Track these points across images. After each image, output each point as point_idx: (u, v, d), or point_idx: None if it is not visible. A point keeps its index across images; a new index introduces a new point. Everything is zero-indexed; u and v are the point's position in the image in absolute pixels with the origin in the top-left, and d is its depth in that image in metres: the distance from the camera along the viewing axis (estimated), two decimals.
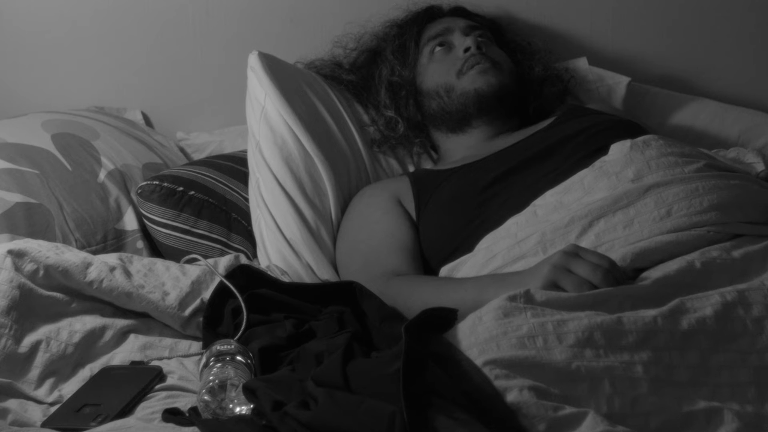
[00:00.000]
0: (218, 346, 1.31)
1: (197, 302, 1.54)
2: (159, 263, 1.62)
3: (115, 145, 1.97)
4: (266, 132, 1.83)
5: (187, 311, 1.52)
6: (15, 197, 1.71)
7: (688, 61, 2.23)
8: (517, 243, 1.48)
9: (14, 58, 2.20)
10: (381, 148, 1.96)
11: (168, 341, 1.50)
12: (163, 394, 1.34)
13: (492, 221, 1.57)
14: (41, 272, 1.47)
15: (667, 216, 1.41)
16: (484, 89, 1.83)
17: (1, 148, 1.81)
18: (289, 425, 1.07)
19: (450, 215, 1.66)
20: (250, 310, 1.45)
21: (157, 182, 1.83)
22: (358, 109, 1.99)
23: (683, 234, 1.38)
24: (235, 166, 1.95)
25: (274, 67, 1.88)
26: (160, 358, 1.45)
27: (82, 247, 1.73)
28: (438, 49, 1.91)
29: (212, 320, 1.48)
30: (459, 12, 2.01)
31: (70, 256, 1.51)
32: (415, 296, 1.49)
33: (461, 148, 1.87)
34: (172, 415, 1.22)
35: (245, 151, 1.94)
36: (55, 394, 1.37)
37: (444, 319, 1.23)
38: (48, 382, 1.38)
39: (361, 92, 2.00)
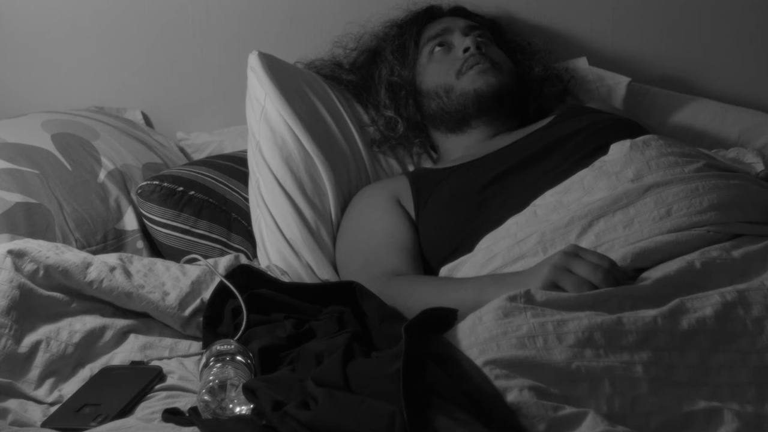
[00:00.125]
0: (218, 346, 1.31)
1: (197, 302, 1.54)
2: (159, 263, 1.62)
3: (115, 145, 1.97)
4: (266, 132, 1.83)
5: (187, 311, 1.52)
6: (15, 197, 1.71)
7: (688, 61, 2.23)
8: (517, 243, 1.48)
9: (14, 58, 2.20)
10: (381, 148, 1.96)
11: (168, 341, 1.50)
12: (163, 394, 1.34)
13: (492, 221, 1.57)
14: (41, 272, 1.47)
15: (667, 216, 1.41)
16: (484, 89, 1.83)
17: (1, 148, 1.81)
18: (289, 425, 1.07)
19: (449, 214, 1.66)
20: (250, 310, 1.45)
21: (157, 182, 1.83)
22: (358, 109, 1.99)
23: (683, 234, 1.38)
24: (235, 166, 1.95)
25: (274, 67, 1.88)
26: (160, 358, 1.45)
27: (82, 247, 1.73)
28: (437, 49, 1.91)
29: (212, 320, 1.48)
30: (459, 12, 2.01)
31: (70, 256, 1.51)
32: (415, 296, 1.49)
33: (460, 148, 1.88)
34: (172, 415, 1.22)
35: (245, 151, 1.94)
36: (55, 394, 1.37)
37: (444, 319, 1.23)
38: (48, 382, 1.38)
39: (361, 92, 2.00)
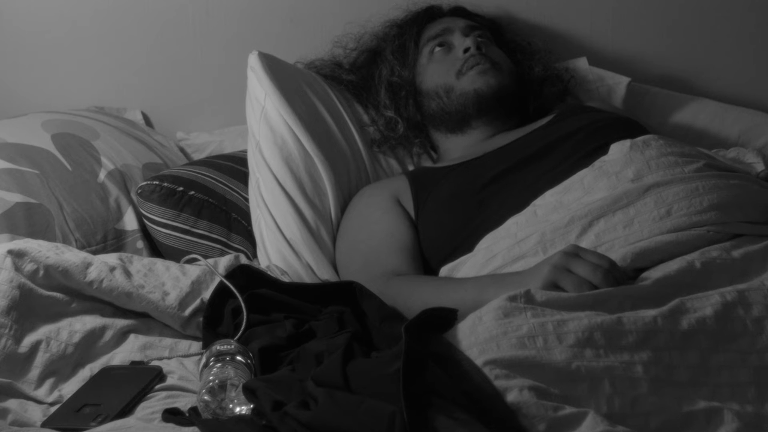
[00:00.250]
0: (218, 346, 1.31)
1: (197, 302, 1.54)
2: (159, 263, 1.62)
3: (115, 145, 1.97)
4: (266, 132, 1.83)
5: (187, 311, 1.52)
6: (15, 197, 1.71)
7: (688, 61, 2.23)
8: (517, 243, 1.48)
9: (14, 58, 2.20)
10: (381, 148, 1.96)
11: (168, 341, 1.50)
12: (163, 394, 1.34)
13: (492, 221, 1.57)
14: (41, 272, 1.47)
15: (667, 216, 1.41)
16: (484, 90, 1.83)
17: (1, 148, 1.81)
18: (289, 425, 1.07)
19: (449, 214, 1.66)
20: (250, 310, 1.45)
21: (157, 182, 1.83)
22: (358, 109, 1.99)
23: (683, 234, 1.38)
24: (235, 166, 1.95)
25: (274, 67, 1.88)
26: (160, 358, 1.45)
27: (82, 247, 1.73)
28: (438, 49, 1.91)
29: (212, 320, 1.48)
30: (459, 12, 2.01)
31: (70, 256, 1.51)
32: (415, 296, 1.49)
33: (460, 148, 1.88)
34: (172, 415, 1.22)
35: (245, 151, 1.94)
36: (55, 394, 1.36)
37: (444, 319, 1.23)
38: (48, 382, 1.38)
39: (361, 92, 2.00)
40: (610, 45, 2.21)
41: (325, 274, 1.74)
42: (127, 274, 1.53)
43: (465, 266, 1.55)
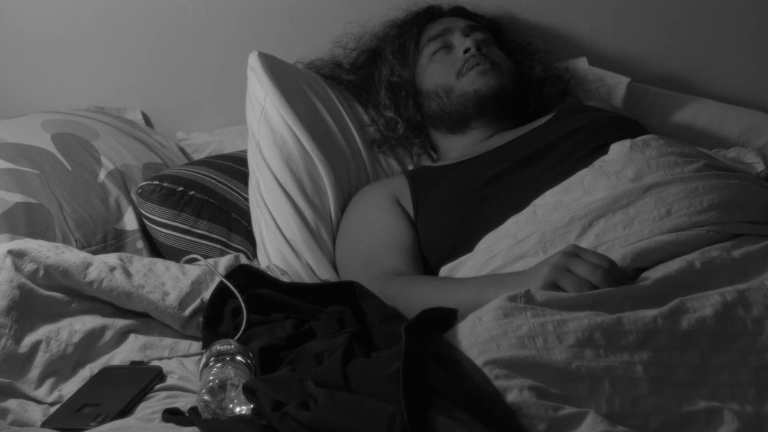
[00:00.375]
0: (218, 346, 1.31)
1: (197, 302, 1.54)
2: (159, 263, 1.62)
3: (115, 145, 1.97)
4: (266, 132, 1.83)
5: (187, 311, 1.52)
6: (15, 197, 1.71)
7: (688, 61, 2.23)
8: (517, 243, 1.48)
9: (14, 58, 2.20)
10: (381, 149, 1.96)
11: (168, 341, 1.50)
12: (163, 394, 1.34)
13: (492, 221, 1.57)
14: (41, 272, 1.47)
15: (667, 216, 1.41)
16: (484, 90, 1.83)
17: (1, 148, 1.81)
18: (289, 425, 1.07)
19: (448, 213, 1.66)
20: (250, 310, 1.45)
21: (157, 182, 1.83)
22: (358, 109, 1.99)
23: (683, 234, 1.38)
24: (235, 166, 1.95)
25: (274, 67, 1.88)
26: (160, 358, 1.45)
27: (82, 247, 1.73)
28: (438, 49, 1.91)
29: (212, 320, 1.48)
30: (459, 12, 2.01)
31: (70, 256, 1.51)
32: (415, 296, 1.49)
33: (460, 148, 1.87)
34: (172, 415, 1.22)
35: (245, 151, 1.94)
36: (55, 394, 1.37)
37: (444, 319, 1.23)
38: (48, 382, 1.38)
39: (361, 92, 2.00)
40: (610, 45, 2.21)
41: (325, 274, 1.74)
42: (127, 274, 1.53)
43: (465, 266, 1.55)
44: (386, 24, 2.04)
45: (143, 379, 1.35)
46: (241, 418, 1.18)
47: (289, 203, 1.78)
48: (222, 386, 1.22)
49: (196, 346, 1.50)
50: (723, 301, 1.19)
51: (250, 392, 1.17)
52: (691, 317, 1.17)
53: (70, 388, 1.37)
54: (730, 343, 1.16)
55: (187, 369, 1.42)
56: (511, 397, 1.04)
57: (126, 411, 1.29)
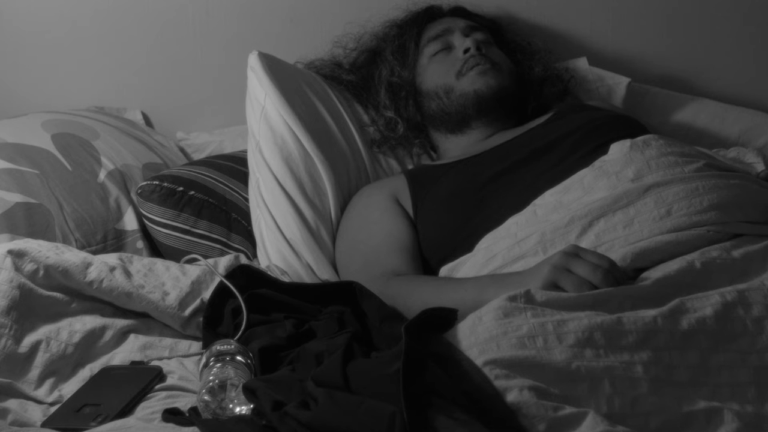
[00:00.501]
0: (218, 346, 1.31)
1: (197, 302, 1.54)
2: (159, 263, 1.62)
3: (115, 145, 1.97)
4: (266, 132, 1.83)
5: (187, 311, 1.52)
6: (15, 197, 1.71)
7: (688, 61, 2.23)
8: (517, 243, 1.48)
9: (14, 58, 2.20)
10: (381, 149, 1.96)
11: (168, 341, 1.50)
12: (163, 394, 1.34)
13: (492, 220, 1.57)
14: (41, 272, 1.47)
15: (667, 215, 1.41)
16: (484, 90, 1.83)
17: (1, 148, 1.81)
18: (289, 425, 1.07)
19: (449, 213, 1.66)
20: (250, 310, 1.45)
21: (157, 182, 1.83)
22: (358, 109, 1.99)
23: (683, 234, 1.38)
24: (235, 166, 1.95)
25: (274, 67, 1.88)
26: (160, 358, 1.45)
27: (82, 247, 1.73)
28: (438, 49, 1.90)
29: (212, 320, 1.48)
30: (459, 12, 2.01)
31: (70, 256, 1.51)
32: (414, 296, 1.49)
33: (460, 147, 1.87)
34: (172, 415, 1.22)
35: (245, 151, 1.94)
36: (55, 394, 1.37)
37: (444, 319, 1.23)
38: (48, 382, 1.38)
39: (361, 92, 2.00)
40: (610, 45, 2.21)
41: (325, 274, 1.74)
42: (127, 274, 1.53)
43: (465, 266, 1.55)
44: (386, 24, 2.04)
45: (143, 379, 1.35)
46: (241, 418, 1.18)
47: (289, 203, 1.78)
48: (222, 386, 1.22)
49: (196, 346, 1.50)
50: (723, 301, 1.19)
51: (250, 392, 1.17)
52: (691, 317, 1.17)
53: (70, 388, 1.37)
54: (730, 343, 1.16)
55: (187, 369, 1.42)
56: (511, 397, 1.04)
57: (126, 411, 1.29)
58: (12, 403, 1.30)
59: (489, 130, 1.86)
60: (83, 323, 1.46)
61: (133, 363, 1.43)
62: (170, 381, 1.37)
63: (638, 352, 1.12)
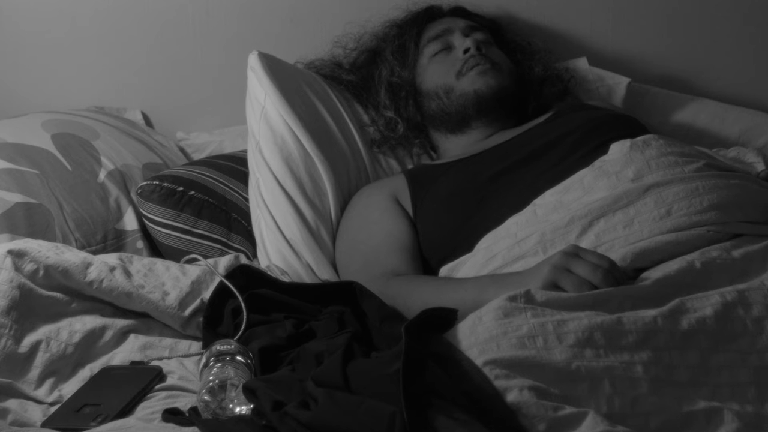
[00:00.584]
0: (218, 346, 1.31)
1: (197, 302, 1.54)
2: (159, 263, 1.62)
3: (115, 145, 1.97)
4: (266, 132, 1.83)
5: (187, 311, 1.52)
6: (15, 197, 1.71)
7: (688, 61, 2.23)
8: (517, 243, 1.48)
9: (14, 58, 2.20)
10: (381, 149, 1.96)
11: (168, 341, 1.50)
12: (163, 394, 1.34)
13: (492, 220, 1.57)
14: (41, 272, 1.47)
15: (667, 215, 1.41)
16: (484, 90, 1.83)
17: (1, 148, 1.81)
18: (289, 425, 1.07)
19: (448, 212, 1.66)
20: (250, 310, 1.45)
21: (157, 182, 1.83)
22: (358, 109, 1.99)
23: (683, 234, 1.38)
24: (235, 166, 1.95)
25: (274, 67, 1.88)
26: (160, 358, 1.45)
27: (82, 247, 1.73)
28: (438, 49, 1.90)
29: (212, 320, 1.48)
30: (459, 12, 2.01)
31: (70, 256, 1.51)
32: (414, 296, 1.49)
33: (459, 147, 1.87)
34: (172, 415, 1.22)
35: (245, 151, 1.94)
36: (55, 394, 1.36)
37: (444, 319, 1.23)
38: (48, 382, 1.38)
39: (361, 92, 2.00)
40: (610, 45, 2.21)
41: (325, 274, 1.74)
42: (127, 274, 1.53)
43: (465, 266, 1.55)
44: (386, 24, 2.04)
45: (143, 379, 1.35)
46: (241, 418, 1.18)
47: (289, 203, 1.78)
48: (222, 386, 1.22)
49: (196, 346, 1.50)
50: (723, 301, 1.19)
51: (250, 392, 1.17)
52: (691, 317, 1.17)
53: (70, 388, 1.37)
54: (730, 343, 1.16)
55: (187, 369, 1.42)
56: (511, 397, 1.04)
57: (126, 411, 1.29)
58: (12, 403, 1.30)
59: (489, 130, 1.86)
60: (83, 323, 1.46)
61: (133, 363, 1.43)
62: (170, 381, 1.37)
63: (638, 352, 1.12)
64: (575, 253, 1.30)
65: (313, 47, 2.06)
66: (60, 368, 1.41)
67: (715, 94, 2.18)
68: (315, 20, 2.18)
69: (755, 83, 2.24)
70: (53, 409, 1.32)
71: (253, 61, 1.88)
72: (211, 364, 1.28)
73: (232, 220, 1.86)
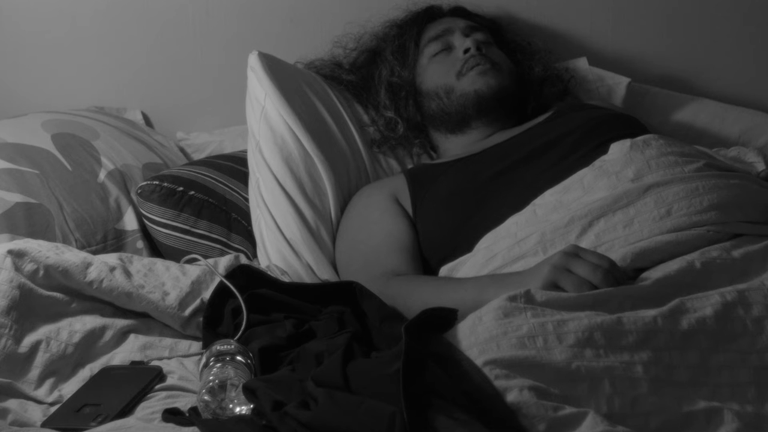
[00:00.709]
0: (218, 346, 1.31)
1: (197, 302, 1.54)
2: (159, 263, 1.62)
3: (115, 145, 1.97)
4: (266, 132, 1.83)
5: (187, 311, 1.52)
6: (15, 197, 1.71)
7: (688, 61, 2.23)
8: (517, 243, 1.48)
9: (14, 58, 2.20)
10: (381, 149, 1.96)
11: (168, 341, 1.50)
12: (163, 394, 1.34)
13: (492, 219, 1.57)
14: (41, 272, 1.47)
15: (667, 215, 1.41)
16: (484, 90, 1.83)
17: (1, 148, 1.81)
18: (289, 425, 1.07)
19: (448, 212, 1.66)
20: (250, 310, 1.45)
21: (157, 182, 1.83)
22: (358, 109, 1.99)
23: (683, 234, 1.38)
24: (235, 166, 1.95)
25: (274, 67, 1.88)
26: (160, 358, 1.45)
27: (82, 247, 1.73)
28: (438, 50, 1.90)
29: (212, 320, 1.48)
30: (459, 12, 2.01)
31: (70, 256, 1.51)
32: (414, 296, 1.49)
33: (460, 147, 1.87)
34: (172, 415, 1.22)
35: (245, 151, 1.94)
36: (55, 394, 1.36)
37: (444, 319, 1.23)
38: (48, 382, 1.38)
39: (361, 92, 2.00)
40: (610, 45, 2.21)
41: (325, 274, 1.74)
42: (127, 274, 1.53)
43: (465, 266, 1.55)
44: (386, 24, 2.04)
45: (143, 379, 1.35)
46: (241, 418, 1.18)
47: (289, 203, 1.78)
48: (222, 386, 1.22)
49: (196, 346, 1.50)
50: (723, 301, 1.19)
51: (250, 392, 1.17)
52: (691, 317, 1.17)
53: (70, 388, 1.37)
54: (730, 343, 1.16)
55: (187, 369, 1.42)
56: (511, 397, 1.04)
57: (126, 411, 1.29)
58: (12, 403, 1.30)
59: (489, 129, 1.86)
60: (83, 323, 1.46)
61: (133, 363, 1.43)
62: (170, 381, 1.37)
63: (638, 352, 1.12)
64: (575, 253, 1.30)
65: (313, 47, 2.06)
66: (60, 368, 1.41)
67: (715, 94, 2.18)
68: (315, 20, 2.18)
69: (755, 83, 2.24)
70: (53, 409, 1.32)
71: (253, 61, 1.88)
72: (211, 364, 1.28)
73: (232, 220, 1.86)
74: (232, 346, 1.31)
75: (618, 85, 2.10)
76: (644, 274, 1.32)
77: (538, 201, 1.55)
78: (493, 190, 1.64)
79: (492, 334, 1.13)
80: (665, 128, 2.03)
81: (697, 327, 1.16)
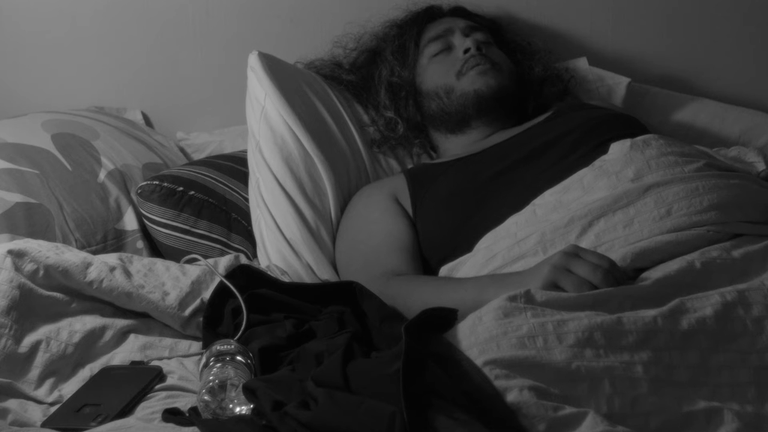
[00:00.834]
0: (218, 346, 1.31)
1: (197, 302, 1.54)
2: (159, 263, 1.62)
3: (115, 145, 1.97)
4: (266, 132, 1.83)
5: (187, 311, 1.52)
6: (15, 197, 1.71)
7: (688, 61, 2.23)
8: (517, 243, 1.48)
9: (14, 58, 2.20)
10: (381, 149, 1.96)
11: (168, 341, 1.50)
12: (163, 394, 1.34)
13: (491, 219, 1.57)
14: (41, 272, 1.47)
15: (667, 215, 1.41)
16: (484, 90, 1.83)
17: (1, 148, 1.81)
18: (289, 425, 1.07)
19: (448, 211, 1.66)
20: (250, 310, 1.45)
21: (157, 182, 1.83)
22: (358, 109, 1.99)
23: (683, 234, 1.38)
24: (235, 166, 1.95)
25: (274, 67, 1.88)
26: (160, 358, 1.45)
27: (82, 247, 1.73)
28: (438, 50, 1.90)
29: (212, 320, 1.48)
30: (459, 12, 2.01)
31: (70, 256, 1.51)
32: (414, 296, 1.49)
33: (459, 147, 1.88)
34: (172, 415, 1.22)
35: (245, 151, 1.94)
36: (55, 394, 1.37)
37: (444, 319, 1.23)
38: (48, 382, 1.38)
39: (361, 92, 2.00)
40: (610, 45, 2.21)
41: (325, 274, 1.74)
42: (127, 274, 1.53)
43: (465, 266, 1.55)
44: (386, 24, 2.04)
45: (143, 379, 1.35)
46: (241, 418, 1.18)
47: (289, 203, 1.78)
48: (222, 386, 1.22)
49: (196, 346, 1.50)
50: (723, 301, 1.19)
51: (250, 392, 1.17)
52: (691, 317, 1.17)
53: (70, 388, 1.37)
54: (730, 343, 1.16)
55: (187, 369, 1.42)
56: (511, 397, 1.04)
57: (126, 411, 1.29)
58: (12, 403, 1.30)
59: (489, 129, 1.86)
60: (83, 323, 1.46)
61: (133, 363, 1.43)
62: (170, 381, 1.37)
63: (638, 352, 1.12)
64: (575, 253, 1.30)
65: (313, 47, 2.06)
66: (60, 368, 1.41)
67: (715, 94, 2.18)
68: (315, 20, 2.18)
69: (755, 83, 2.24)
70: (53, 409, 1.32)
71: (253, 61, 1.88)
72: (211, 364, 1.28)
73: (232, 220, 1.86)
74: (232, 346, 1.31)
75: (618, 85, 2.10)
76: (644, 274, 1.32)
77: (538, 201, 1.55)
78: (493, 190, 1.64)
79: (492, 334, 1.13)
80: (665, 128, 2.03)
81: (697, 327, 1.16)
